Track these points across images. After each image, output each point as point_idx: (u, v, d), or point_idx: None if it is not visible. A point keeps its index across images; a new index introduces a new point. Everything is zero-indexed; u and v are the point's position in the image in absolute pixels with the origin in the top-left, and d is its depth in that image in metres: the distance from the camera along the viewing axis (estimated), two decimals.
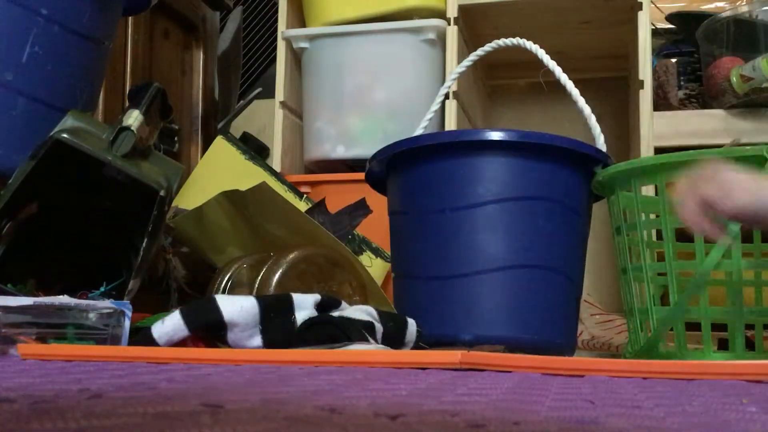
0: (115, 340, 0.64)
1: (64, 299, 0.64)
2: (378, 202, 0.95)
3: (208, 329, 0.63)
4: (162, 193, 0.78)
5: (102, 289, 0.78)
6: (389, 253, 0.90)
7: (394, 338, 0.70)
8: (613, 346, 1.03)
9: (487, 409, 0.31)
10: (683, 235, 0.77)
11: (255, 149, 1.38)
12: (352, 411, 0.29)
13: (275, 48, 1.45)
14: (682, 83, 1.42)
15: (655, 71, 1.39)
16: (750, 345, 0.72)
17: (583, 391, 0.40)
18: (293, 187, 1.21)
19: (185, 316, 0.62)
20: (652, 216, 0.80)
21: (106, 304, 0.64)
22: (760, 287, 0.80)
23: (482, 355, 0.53)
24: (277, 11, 1.46)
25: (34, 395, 0.31)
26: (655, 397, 0.38)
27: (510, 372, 0.52)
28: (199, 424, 0.25)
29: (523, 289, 0.77)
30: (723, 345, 0.84)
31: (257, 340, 0.64)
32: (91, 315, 0.63)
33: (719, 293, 0.80)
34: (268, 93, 1.50)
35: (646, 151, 1.25)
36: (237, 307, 0.63)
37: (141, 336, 0.63)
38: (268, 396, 0.33)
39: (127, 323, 0.64)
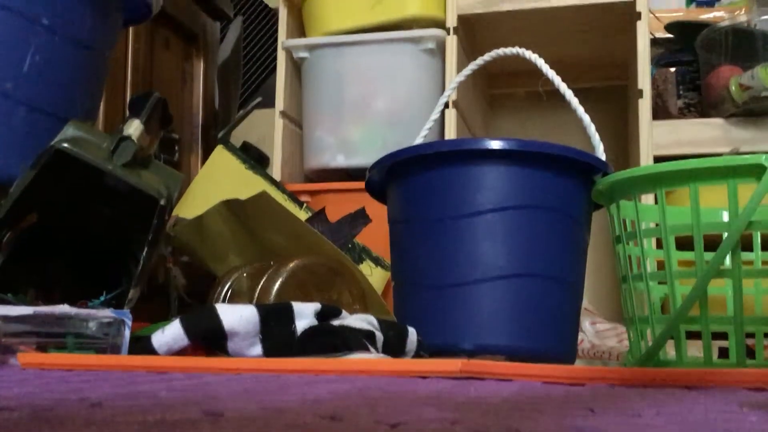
0: (115, 350, 0.64)
1: (64, 308, 0.64)
2: (378, 211, 0.95)
3: (209, 338, 0.63)
4: (162, 202, 0.78)
5: (102, 298, 0.78)
6: (389, 262, 0.90)
7: (394, 347, 0.70)
8: (613, 354, 1.03)
9: (487, 417, 0.31)
10: (683, 244, 0.77)
11: (255, 158, 1.38)
12: (352, 419, 0.29)
13: (275, 58, 1.46)
14: (681, 92, 1.42)
15: (654, 80, 1.40)
16: (750, 353, 0.72)
17: (583, 400, 0.40)
18: (293, 196, 1.22)
19: (185, 325, 0.62)
20: (652, 224, 0.80)
21: (106, 314, 0.64)
22: (761, 296, 0.80)
23: (483, 364, 0.53)
24: (277, 21, 1.46)
25: (34, 404, 0.31)
26: (656, 406, 0.38)
27: (510, 380, 0.52)
28: None
29: (523, 297, 0.77)
30: (724, 353, 0.84)
31: (257, 349, 0.64)
32: (91, 324, 0.63)
33: (720, 302, 0.80)
34: (268, 102, 1.50)
35: (645, 159, 1.25)
36: (237, 316, 0.63)
37: (141, 345, 0.63)
38: (268, 404, 0.33)
39: (127, 332, 0.64)
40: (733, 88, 1.27)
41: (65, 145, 0.77)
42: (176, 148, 1.41)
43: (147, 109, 0.84)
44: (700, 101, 1.41)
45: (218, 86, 1.61)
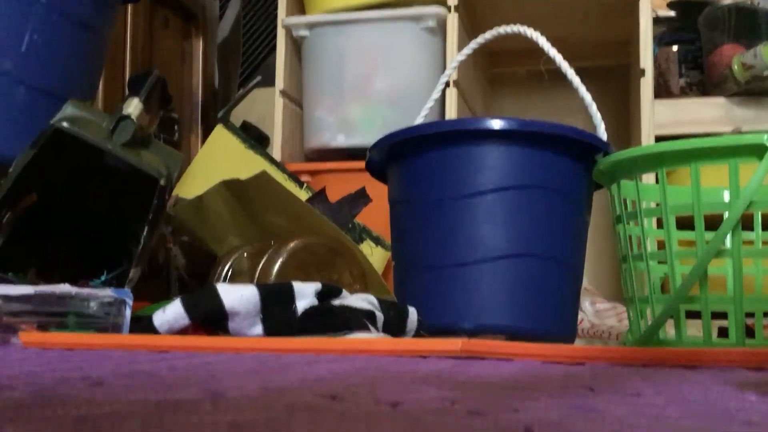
0: (116, 329, 0.64)
1: (65, 288, 0.64)
2: (378, 191, 0.95)
3: (210, 317, 0.63)
4: (162, 181, 0.78)
5: (103, 277, 0.78)
6: (390, 242, 0.90)
7: (394, 327, 0.70)
8: (613, 334, 1.03)
9: (487, 396, 0.31)
10: (684, 224, 0.77)
11: (255, 138, 1.38)
12: (352, 399, 0.29)
13: (275, 36, 1.45)
14: (683, 71, 1.41)
15: (656, 59, 1.39)
16: (750, 333, 0.72)
17: (583, 379, 0.40)
18: (293, 176, 1.21)
19: (186, 305, 0.63)
20: (653, 204, 0.80)
21: (107, 293, 0.64)
22: (761, 275, 0.80)
23: (483, 344, 0.53)
24: None
25: (36, 383, 0.31)
26: (656, 385, 0.38)
27: (510, 360, 0.52)
28: (199, 411, 0.25)
29: (523, 277, 0.77)
30: (723, 333, 0.84)
31: (258, 329, 0.64)
32: (92, 303, 0.63)
33: (720, 282, 0.80)
34: (268, 81, 1.50)
35: (646, 139, 1.25)
36: (237, 296, 0.63)
37: (142, 324, 0.63)
38: (268, 384, 0.33)
39: (128, 312, 0.65)
40: (736, 67, 1.26)
41: (64, 124, 0.76)
42: (176, 127, 1.40)
43: (146, 88, 0.83)
44: (702, 80, 1.40)
45: (218, 65, 1.60)
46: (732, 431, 0.25)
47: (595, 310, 1.13)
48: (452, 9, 1.33)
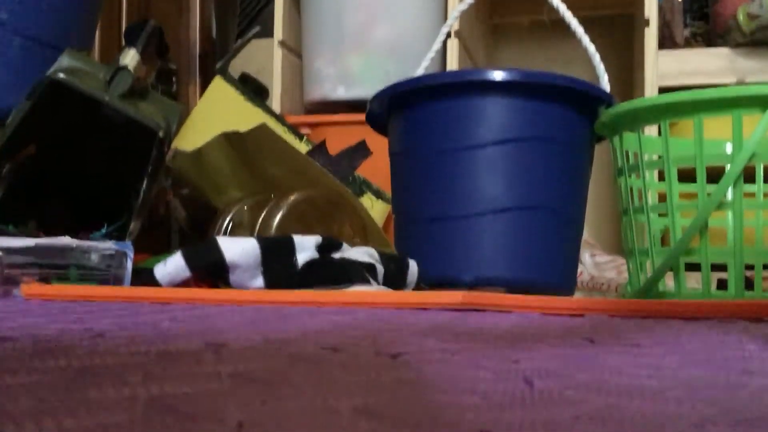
0: (117, 281, 0.64)
1: (66, 240, 0.64)
2: (379, 144, 0.94)
3: (210, 270, 0.63)
4: (161, 133, 0.78)
5: (103, 230, 0.78)
6: (390, 195, 0.90)
7: (395, 279, 0.71)
8: (612, 286, 1.04)
9: (487, 348, 0.31)
10: (685, 177, 0.77)
11: (254, 90, 1.37)
12: (353, 350, 0.29)
13: None
14: (688, 21, 1.39)
15: (660, 9, 1.37)
16: (749, 285, 0.72)
17: (582, 330, 0.40)
18: (293, 129, 1.20)
19: (187, 257, 0.63)
20: (655, 156, 0.80)
21: (109, 245, 0.64)
22: (761, 228, 0.80)
23: (483, 296, 0.54)
24: None
25: (38, 334, 0.32)
26: (655, 336, 0.38)
27: (510, 312, 0.52)
28: (201, 362, 0.25)
29: (523, 230, 0.77)
30: (722, 285, 0.84)
31: (259, 281, 0.65)
32: (94, 256, 0.64)
33: (719, 234, 0.80)
34: (267, 32, 1.48)
35: (650, 90, 1.23)
36: (238, 249, 0.63)
37: (143, 277, 0.63)
38: (270, 335, 0.33)
39: (129, 264, 0.65)
40: (741, 17, 1.24)
41: (61, 75, 0.75)
42: (174, 79, 1.39)
43: (143, 38, 0.82)
44: (708, 31, 1.38)
45: (215, 15, 1.57)
46: (731, 380, 0.25)
47: (595, 263, 1.14)
48: None
